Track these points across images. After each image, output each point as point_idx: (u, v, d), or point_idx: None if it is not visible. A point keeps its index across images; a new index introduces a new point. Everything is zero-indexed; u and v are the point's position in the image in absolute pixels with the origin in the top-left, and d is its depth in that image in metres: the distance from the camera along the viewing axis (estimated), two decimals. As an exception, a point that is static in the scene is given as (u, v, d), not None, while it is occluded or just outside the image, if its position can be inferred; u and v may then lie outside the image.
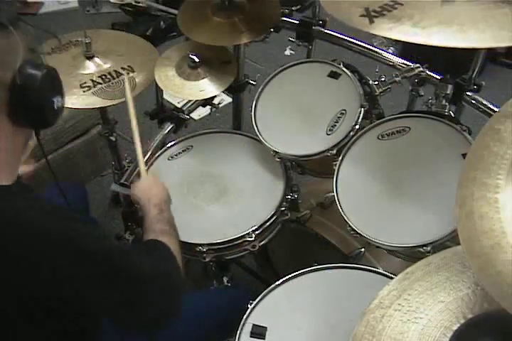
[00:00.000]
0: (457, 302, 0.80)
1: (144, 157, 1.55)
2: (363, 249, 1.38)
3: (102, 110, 1.60)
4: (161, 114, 1.62)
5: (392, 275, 1.10)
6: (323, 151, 1.28)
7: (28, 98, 0.81)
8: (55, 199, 1.36)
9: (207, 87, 1.42)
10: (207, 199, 1.40)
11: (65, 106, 1.37)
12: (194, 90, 1.42)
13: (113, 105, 1.45)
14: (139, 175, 1.34)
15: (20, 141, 0.87)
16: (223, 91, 1.47)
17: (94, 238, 0.87)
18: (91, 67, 1.47)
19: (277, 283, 1.15)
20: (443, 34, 0.94)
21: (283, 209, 1.36)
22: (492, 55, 2.62)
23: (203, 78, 1.43)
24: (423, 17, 0.97)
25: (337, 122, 1.31)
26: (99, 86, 1.44)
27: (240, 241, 1.31)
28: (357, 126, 1.28)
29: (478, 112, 1.36)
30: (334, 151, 1.27)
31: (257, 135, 1.38)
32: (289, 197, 1.37)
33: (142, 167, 1.31)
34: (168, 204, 1.20)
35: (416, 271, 0.86)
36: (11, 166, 0.86)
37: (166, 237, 1.07)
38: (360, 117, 1.27)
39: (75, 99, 1.41)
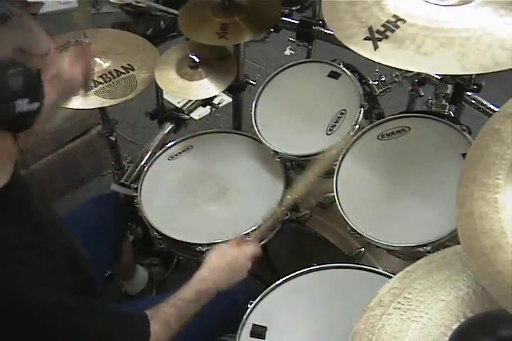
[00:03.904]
0: (457, 302, 0.80)
1: (144, 157, 1.56)
2: (363, 249, 1.38)
3: (102, 110, 1.60)
4: (161, 114, 1.62)
5: (392, 275, 1.10)
6: (323, 151, 1.28)
7: None
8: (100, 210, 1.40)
9: (211, 85, 1.42)
10: (207, 199, 1.40)
11: (68, 106, 1.39)
12: (200, 89, 1.42)
13: (115, 105, 1.45)
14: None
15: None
16: (223, 92, 1.47)
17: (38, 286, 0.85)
18: (91, 67, 1.47)
19: (277, 283, 1.15)
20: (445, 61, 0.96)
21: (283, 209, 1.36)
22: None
23: (205, 76, 1.43)
24: (425, 38, 0.98)
25: (337, 122, 1.31)
26: (101, 85, 1.44)
27: (239, 241, 1.31)
28: (357, 126, 1.28)
29: (478, 112, 1.36)
30: (334, 151, 1.27)
31: (257, 135, 1.38)
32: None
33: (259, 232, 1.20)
34: (214, 294, 1.08)
35: (416, 269, 0.86)
36: None
37: (162, 327, 0.98)
38: (360, 117, 1.27)
39: (77, 100, 1.41)
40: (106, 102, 1.43)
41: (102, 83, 1.45)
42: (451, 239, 1.10)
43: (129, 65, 1.49)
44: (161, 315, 0.98)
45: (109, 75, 1.46)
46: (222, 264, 1.09)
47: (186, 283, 1.04)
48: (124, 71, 1.48)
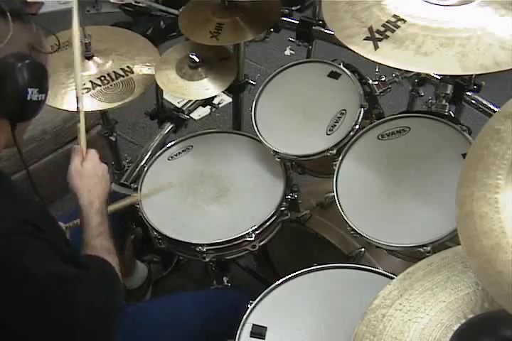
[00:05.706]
0: (458, 302, 0.80)
1: (144, 157, 1.56)
2: (363, 249, 1.38)
3: (102, 110, 1.60)
4: (161, 114, 1.62)
5: (392, 275, 1.10)
6: (323, 151, 1.28)
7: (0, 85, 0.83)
8: None
9: (211, 85, 1.42)
10: (207, 199, 1.40)
11: (61, 108, 1.39)
12: (200, 89, 1.42)
13: (110, 108, 1.44)
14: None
15: None
16: (223, 92, 1.47)
17: (40, 259, 0.87)
18: (91, 68, 1.46)
19: (277, 283, 1.14)
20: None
21: (283, 209, 1.36)
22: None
23: (205, 76, 1.43)
24: (425, 38, 0.98)
25: (337, 122, 1.31)
26: (98, 88, 1.43)
27: (239, 241, 1.31)
28: (357, 126, 1.27)
29: (478, 112, 1.36)
30: (334, 151, 1.27)
31: (257, 135, 1.38)
32: (289, 197, 1.37)
33: (83, 140, 1.22)
34: (105, 203, 1.14)
35: (417, 270, 0.86)
36: None
37: (110, 256, 1.05)
38: (360, 117, 1.27)
39: (73, 101, 1.40)
40: (104, 105, 1.42)
41: (100, 86, 1.43)
42: (451, 239, 1.10)
43: (128, 67, 1.48)
44: (99, 249, 1.05)
45: (108, 78, 1.45)
46: (87, 180, 1.14)
47: (82, 215, 1.10)
48: (122, 74, 1.46)
